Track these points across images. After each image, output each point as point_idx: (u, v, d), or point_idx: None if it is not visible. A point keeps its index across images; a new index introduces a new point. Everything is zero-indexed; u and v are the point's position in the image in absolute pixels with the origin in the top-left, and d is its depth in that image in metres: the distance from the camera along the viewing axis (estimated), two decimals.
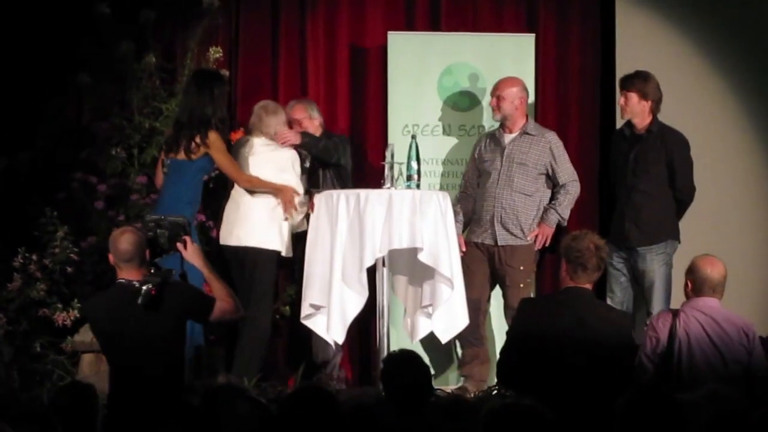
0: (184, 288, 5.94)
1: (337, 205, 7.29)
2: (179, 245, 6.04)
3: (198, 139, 7.30)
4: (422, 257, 7.26)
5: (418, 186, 7.49)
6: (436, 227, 7.29)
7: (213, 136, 7.31)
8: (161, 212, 7.05)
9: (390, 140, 8.43)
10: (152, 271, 5.84)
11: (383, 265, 7.36)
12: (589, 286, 5.98)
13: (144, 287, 5.68)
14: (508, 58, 8.59)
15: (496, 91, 8.08)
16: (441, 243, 7.29)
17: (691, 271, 6.36)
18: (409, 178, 7.49)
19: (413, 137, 7.68)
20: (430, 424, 4.78)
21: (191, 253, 6.07)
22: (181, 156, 7.33)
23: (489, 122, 8.44)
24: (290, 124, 8.08)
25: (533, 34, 8.80)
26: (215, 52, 8.34)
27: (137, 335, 5.70)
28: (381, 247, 7.22)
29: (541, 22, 9.04)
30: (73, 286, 7.83)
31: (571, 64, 9.04)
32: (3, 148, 8.09)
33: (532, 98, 8.57)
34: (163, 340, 5.75)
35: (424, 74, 8.50)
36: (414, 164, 7.51)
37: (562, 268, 6.01)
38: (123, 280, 5.79)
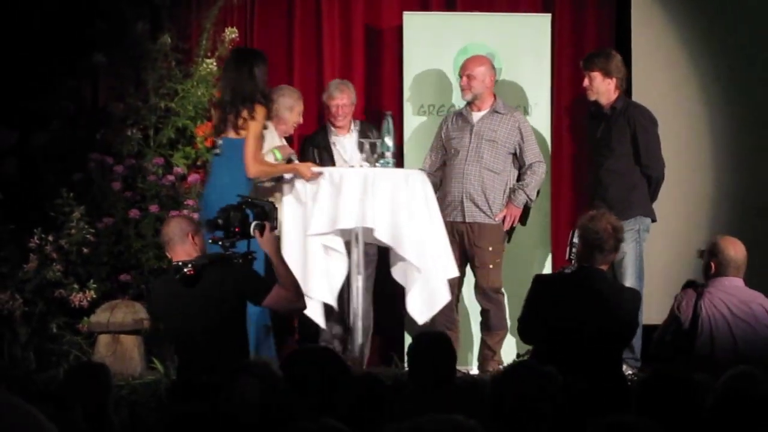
0: (241, 269, 6.01)
1: (299, 186, 7.36)
2: (256, 231, 6.07)
3: (246, 114, 7.15)
4: (379, 236, 7.25)
5: (392, 164, 7.46)
6: (395, 206, 7.24)
7: (261, 112, 7.20)
8: (214, 196, 7.05)
9: (405, 120, 8.46)
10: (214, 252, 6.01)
11: (356, 243, 7.38)
12: (604, 266, 5.96)
13: (186, 266, 5.85)
14: (524, 38, 8.55)
15: (465, 71, 8.02)
16: (401, 222, 7.26)
17: (714, 253, 6.34)
18: (382, 155, 7.47)
19: (387, 114, 7.65)
20: (450, 404, 4.77)
21: (266, 240, 6.10)
22: (232, 134, 7.22)
23: (505, 101, 8.42)
24: (335, 108, 8.11)
25: (549, 14, 8.76)
26: (230, 33, 8.32)
27: (190, 314, 5.87)
28: (328, 225, 7.24)
29: (558, 2, 9.00)
30: (89, 267, 7.84)
31: (587, 44, 8.98)
32: (19, 129, 8.10)
33: (548, 78, 8.56)
34: (217, 318, 5.88)
35: (439, 54, 8.47)
36: (388, 142, 7.47)
37: (578, 248, 5.99)
38: (177, 262, 5.97)
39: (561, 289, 5.97)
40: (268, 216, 6.13)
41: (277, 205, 6.98)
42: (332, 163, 8.07)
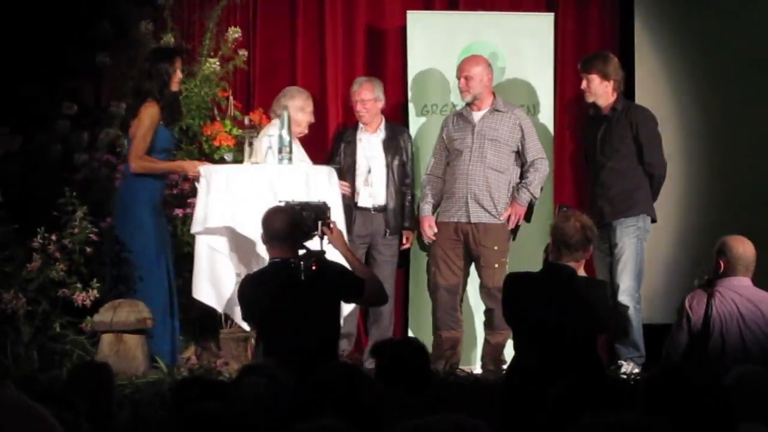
0: (339, 268, 6.05)
1: (197, 185, 7.37)
2: (325, 228, 6.08)
3: (134, 110, 7.29)
4: (244, 232, 7.10)
5: (288, 160, 7.37)
6: (261, 204, 6.99)
7: (148, 109, 7.23)
8: (127, 196, 7.29)
9: (411, 121, 8.45)
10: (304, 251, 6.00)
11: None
12: (574, 263, 5.92)
13: (303, 263, 5.83)
14: (528, 37, 8.56)
15: (462, 72, 8.00)
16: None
17: (723, 252, 6.32)
18: (280, 150, 7.37)
19: (284, 108, 7.58)
20: (432, 402, 4.68)
21: (336, 236, 6.12)
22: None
23: (505, 99, 8.41)
24: (355, 103, 8.17)
25: (552, 14, 8.77)
26: (233, 33, 8.33)
27: (295, 312, 5.84)
28: (201, 224, 7.20)
29: (561, 2, 9.00)
30: (92, 266, 7.83)
31: (590, 43, 8.99)
32: (22, 129, 8.10)
33: (551, 77, 8.55)
34: (320, 317, 5.89)
35: (443, 54, 8.47)
36: (285, 136, 7.36)
37: (549, 246, 6.00)
38: (277, 259, 5.94)
39: (531, 286, 6.01)
40: (326, 214, 6.17)
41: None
42: (353, 157, 8.13)
